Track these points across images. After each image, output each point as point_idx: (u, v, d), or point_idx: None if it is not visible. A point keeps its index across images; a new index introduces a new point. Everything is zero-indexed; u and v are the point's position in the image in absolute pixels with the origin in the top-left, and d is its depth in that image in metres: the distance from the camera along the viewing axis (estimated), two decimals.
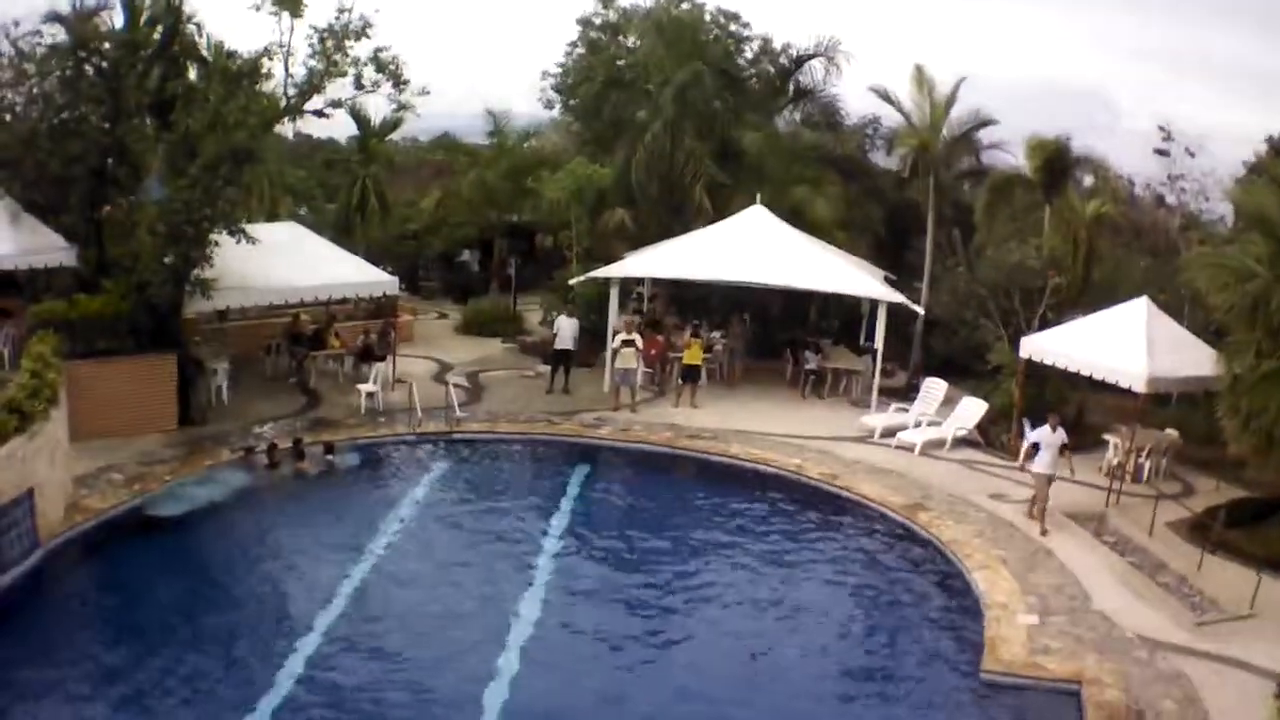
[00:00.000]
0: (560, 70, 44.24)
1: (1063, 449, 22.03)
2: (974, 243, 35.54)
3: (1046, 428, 22.06)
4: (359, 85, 26.99)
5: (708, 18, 41.54)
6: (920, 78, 34.28)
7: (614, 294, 30.81)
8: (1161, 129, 35.58)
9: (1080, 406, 28.57)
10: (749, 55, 43.05)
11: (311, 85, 26.09)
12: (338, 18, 26.22)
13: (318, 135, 47.80)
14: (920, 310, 31.60)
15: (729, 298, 35.73)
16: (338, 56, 25.79)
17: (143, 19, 26.44)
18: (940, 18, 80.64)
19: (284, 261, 28.11)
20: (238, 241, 25.36)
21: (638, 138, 37.72)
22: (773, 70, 42.89)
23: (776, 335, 36.06)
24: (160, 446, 23.87)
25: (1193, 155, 36.08)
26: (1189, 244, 36.07)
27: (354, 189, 37.72)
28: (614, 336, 30.10)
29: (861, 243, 38.15)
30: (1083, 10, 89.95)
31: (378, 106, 31.55)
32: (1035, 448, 22.07)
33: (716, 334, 33.35)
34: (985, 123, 34.75)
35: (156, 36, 26.42)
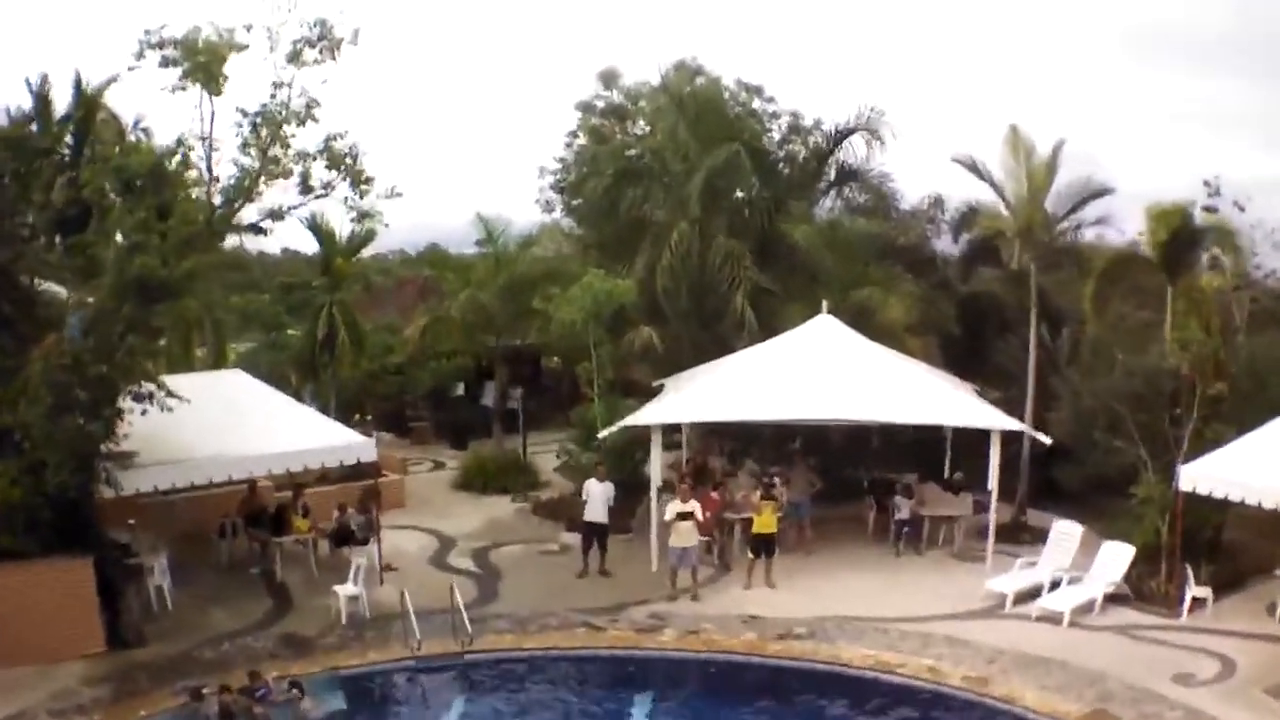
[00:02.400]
0: (560, 166, 38.24)
1: None
2: (1080, 339, 29.39)
3: None
4: (306, 188, 20.49)
5: (727, 95, 35.33)
6: (1016, 141, 27.66)
7: (656, 443, 23.86)
8: (1207, 183, 29.77)
9: (1216, 526, 23.57)
10: (777, 134, 36.72)
11: (242, 189, 19.48)
12: (272, 96, 19.73)
13: (278, 248, 41.52)
14: (1046, 439, 24.81)
15: (780, 428, 28.92)
16: (276, 150, 19.14)
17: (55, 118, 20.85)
18: (932, 84, 75.72)
19: (228, 424, 22.11)
20: (143, 412, 19.11)
21: (661, 239, 31.44)
22: (804, 151, 36.50)
23: (842, 471, 29.26)
24: (80, 682, 18.29)
25: (1242, 209, 30.48)
26: None
27: (319, 319, 30.81)
28: (658, 495, 23.87)
29: (933, 346, 31.39)
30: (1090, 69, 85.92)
31: (343, 216, 25.23)
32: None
33: (777, 480, 26.45)
34: (1100, 192, 27.91)
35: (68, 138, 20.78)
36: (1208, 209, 31.79)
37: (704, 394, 24.91)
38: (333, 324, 30.59)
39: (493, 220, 33.00)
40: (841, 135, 35.32)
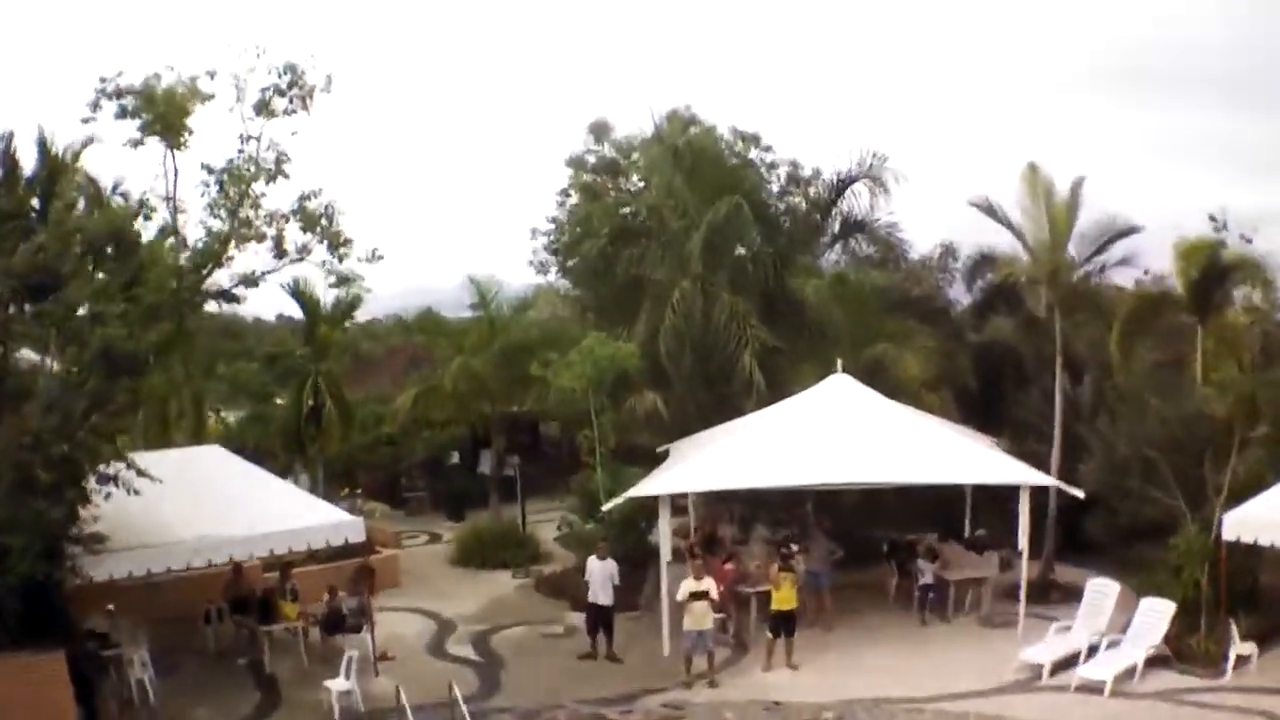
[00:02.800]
0: (553, 226, 36.96)
1: None
2: (1104, 386, 27.84)
3: None
4: (280, 251, 19.02)
5: (723, 145, 34.20)
6: (1034, 180, 26.28)
7: (664, 516, 22.31)
8: (1213, 218, 28.46)
9: (1253, 574, 22.29)
10: (776, 186, 35.64)
11: (212, 254, 18.01)
12: (240, 150, 18.37)
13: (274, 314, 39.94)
14: (1078, 492, 23.32)
15: (792, 491, 27.08)
16: (246, 210, 17.66)
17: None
18: (920, 128, 74.83)
19: (207, 504, 20.57)
20: (107, 496, 17.60)
21: (662, 299, 30.11)
22: (805, 202, 35.33)
23: (858, 533, 27.57)
24: None
25: (1249, 241, 29.24)
26: None
27: (303, 391, 29.23)
28: (666, 569, 22.05)
29: (949, 401, 29.91)
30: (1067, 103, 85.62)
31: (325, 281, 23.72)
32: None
33: (794, 548, 24.91)
34: (1126, 231, 26.35)
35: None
36: (1243, 237, 30.81)
37: (714, 460, 23.35)
38: (319, 396, 28.99)
39: (485, 283, 31.52)
40: (844, 184, 34.26)
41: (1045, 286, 26.61)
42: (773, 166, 35.48)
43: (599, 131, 36.03)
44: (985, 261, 31.67)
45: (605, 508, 23.21)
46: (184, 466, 20.94)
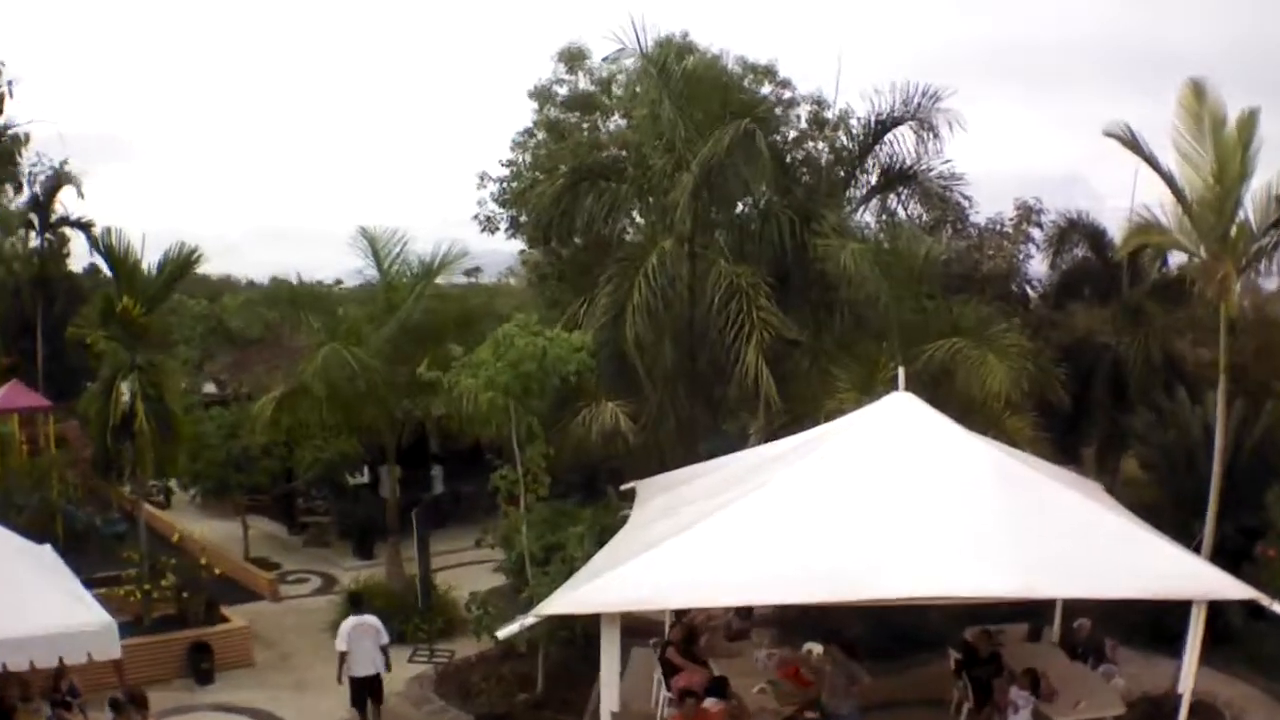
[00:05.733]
0: (508, 171, 28.33)
1: None
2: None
3: None
4: None
5: (727, 79, 25.43)
6: (1199, 104, 17.17)
7: (610, 641, 12.88)
8: None
9: None
10: (795, 130, 26.85)
11: None
12: None
13: None
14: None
15: None
16: None
17: None
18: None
19: None
20: None
21: (633, 267, 21.30)
22: (829, 150, 26.49)
23: (901, 619, 18.52)
24: None
25: None
26: None
27: (113, 392, 19.86)
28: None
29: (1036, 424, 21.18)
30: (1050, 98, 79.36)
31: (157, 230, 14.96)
32: None
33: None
34: None
35: None
36: None
37: (698, 545, 14.01)
38: (134, 400, 19.69)
39: (379, 237, 22.21)
40: (884, 127, 25.18)
41: (1210, 262, 17.49)
42: (791, 105, 26.91)
43: (571, 59, 27.90)
44: (1076, 228, 25.71)
45: (503, 635, 13.88)
46: None
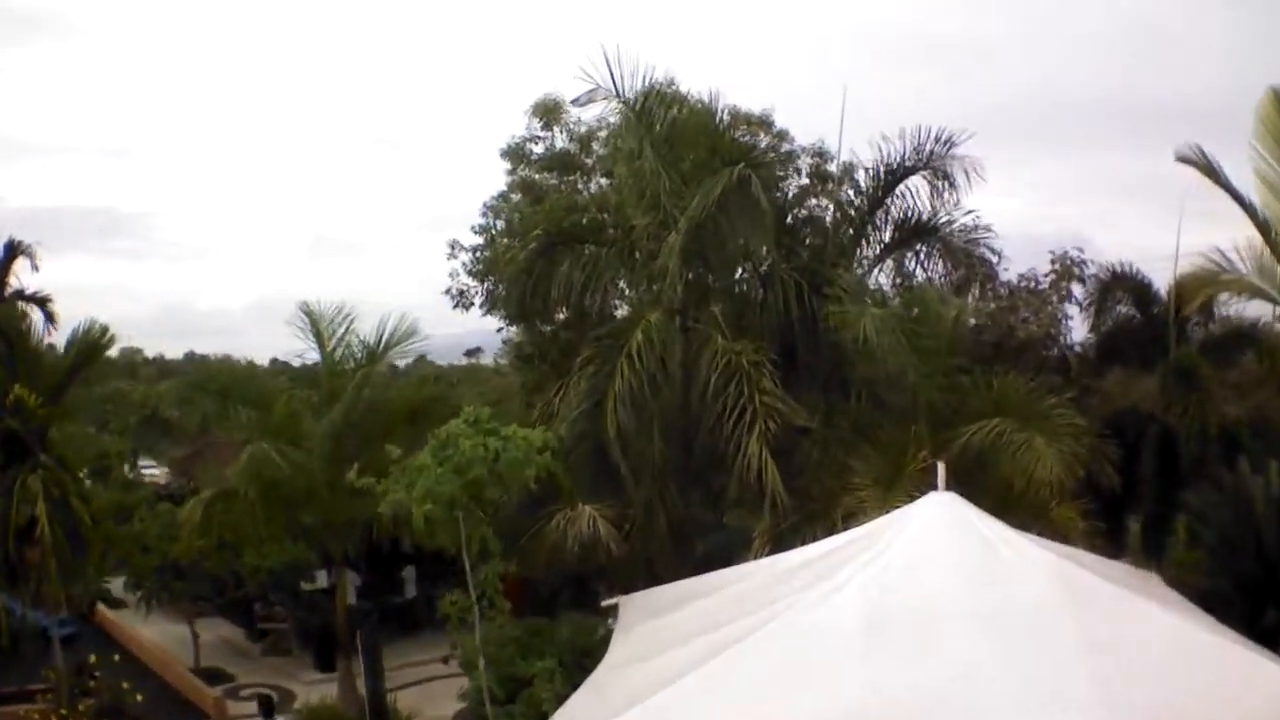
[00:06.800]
0: (483, 237, 25.60)
1: None
2: None
3: None
4: None
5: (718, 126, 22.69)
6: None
7: None
8: None
9: None
10: (796, 185, 24.15)
11: None
12: None
13: None
14: None
15: None
16: None
17: None
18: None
19: None
20: None
21: (618, 344, 18.61)
22: (834, 207, 23.73)
23: None
24: None
25: None
26: None
27: (13, 496, 16.76)
28: None
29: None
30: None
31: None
32: None
33: None
34: None
35: None
36: None
37: (701, 699, 10.91)
38: (36, 503, 16.72)
39: (320, 314, 19.21)
40: (895, 177, 22.41)
41: None
42: (790, 158, 24.08)
43: (547, 114, 25.13)
44: (1120, 283, 23.07)
45: None
46: None
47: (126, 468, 29.65)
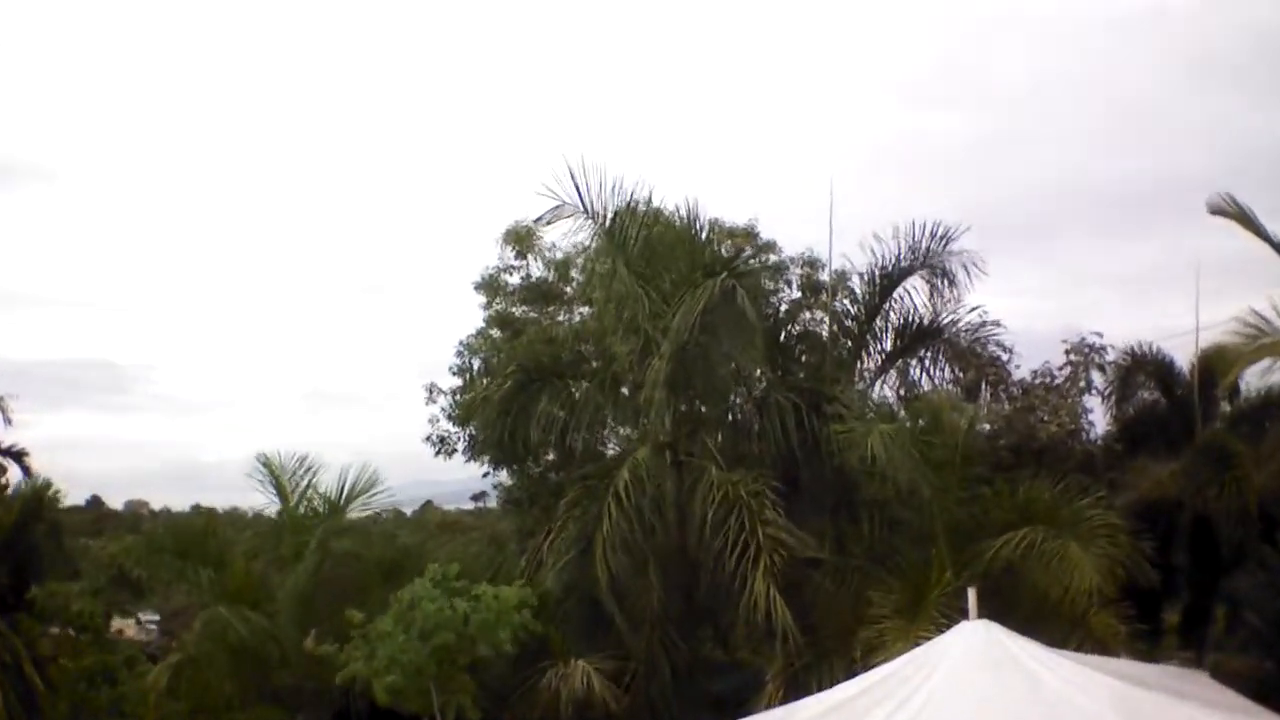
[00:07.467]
0: (463, 377, 24.42)
1: None
2: None
3: None
4: None
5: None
6: None
7: None
8: None
9: None
10: (787, 297, 23.16)
11: None
12: None
13: None
14: None
15: None
16: None
17: None
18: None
19: None
20: None
21: (605, 484, 17.38)
22: (827, 319, 22.61)
23: None
24: None
25: None
26: None
27: None
28: None
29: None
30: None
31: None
32: None
33: None
34: None
35: None
36: None
37: None
38: None
39: (280, 465, 17.98)
40: (892, 280, 21.36)
41: None
42: (779, 270, 23.12)
43: (520, 241, 24.19)
44: (1142, 366, 22.09)
45: None
46: None
47: (117, 623, 28.41)
